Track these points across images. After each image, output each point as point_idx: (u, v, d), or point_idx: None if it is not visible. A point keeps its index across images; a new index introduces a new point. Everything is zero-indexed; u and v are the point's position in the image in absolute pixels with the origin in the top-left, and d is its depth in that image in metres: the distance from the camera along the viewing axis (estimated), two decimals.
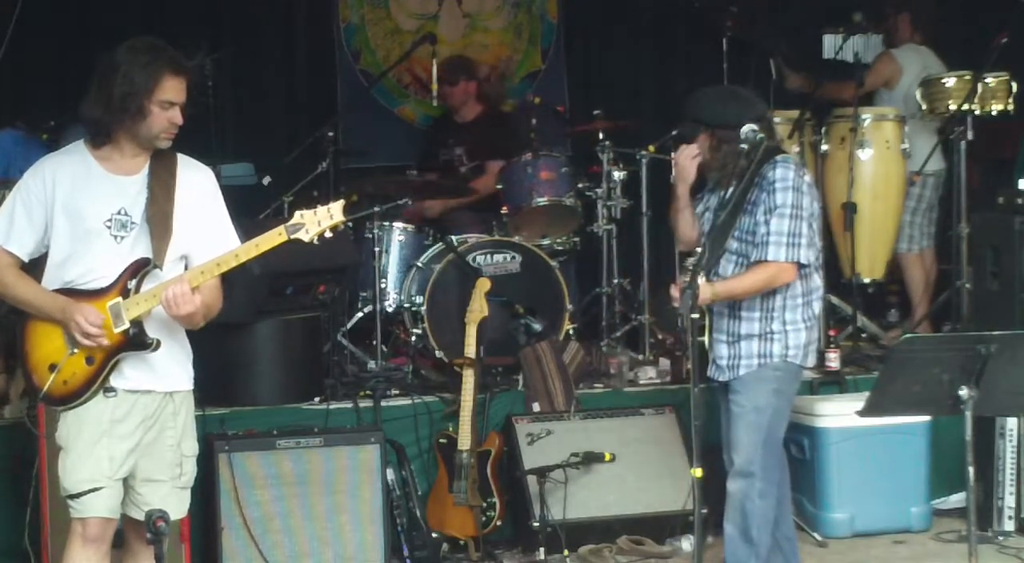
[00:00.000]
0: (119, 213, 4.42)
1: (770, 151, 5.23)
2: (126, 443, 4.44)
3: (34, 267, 4.53)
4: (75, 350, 4.40)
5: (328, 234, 4.34)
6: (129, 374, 4.45)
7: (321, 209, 4.33)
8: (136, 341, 4.40)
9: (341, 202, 4.35)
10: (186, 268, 4.51)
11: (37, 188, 4.42)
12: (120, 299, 4.39)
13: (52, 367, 4.42)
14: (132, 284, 4.39)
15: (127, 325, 4.39)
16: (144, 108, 4.35)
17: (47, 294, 4.43)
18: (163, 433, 4.51)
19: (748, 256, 5.20)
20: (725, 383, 5.32)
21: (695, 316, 4.84)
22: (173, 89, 4.38)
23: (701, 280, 4.92)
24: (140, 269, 4.41)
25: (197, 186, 4.55)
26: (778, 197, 5.14)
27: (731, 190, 5.16)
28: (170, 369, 4.53)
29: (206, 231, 4.52)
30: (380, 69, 8.75)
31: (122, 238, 4.42)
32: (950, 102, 7.49)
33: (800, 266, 5.19)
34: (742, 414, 5.26)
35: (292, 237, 4.33)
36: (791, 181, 5.17)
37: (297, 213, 4.34)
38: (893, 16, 8.07)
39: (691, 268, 4.90)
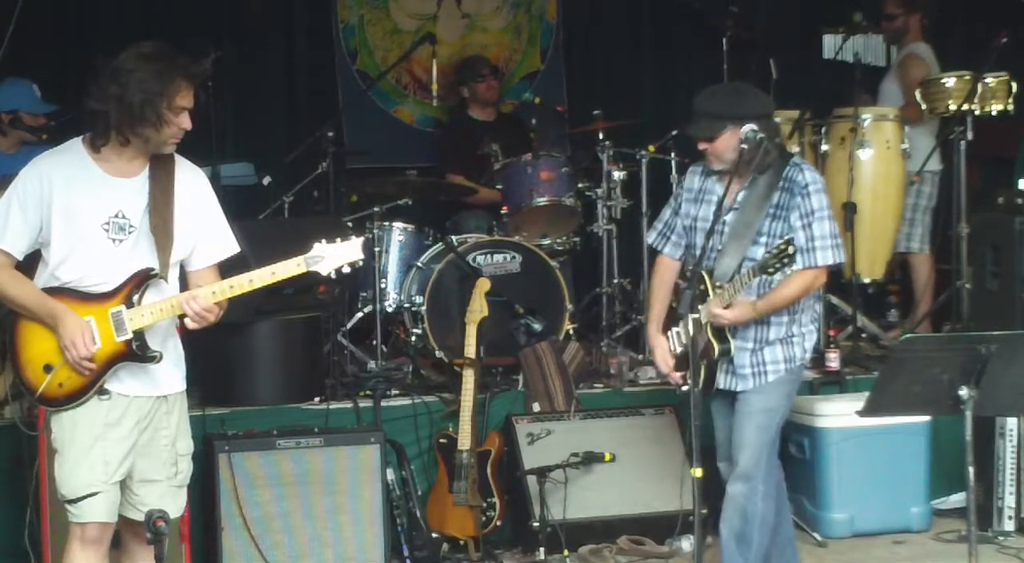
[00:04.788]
0: (117, 216, 4.41)
1: (784, 152, 5.20)
2: (122, 446, 4.44)
3: (29, 264, 4.52)
4: None
5: (346, 269, 4.42)
6: (126, 380, 4.46)
7: (341, 244, 4.41)
8: (139, 353, 4.42)
9: (362, 239, 4.43)
10: (181, 270, 4.53)
11: (34, 187, 4.41)
12: (123, 308, 4.40)
13: (47, 368, 4.42)
14: (136, 295, 4.40)
15: (130, 335, 4.40)
16: (161, 114, 4.35)
17: (38, 296, 4.41)
18: (158, 433, 4.51)
19: None
20: (733, 391, 5.22)
21: (695, 316, 4.82)
22: (186, 95, 4.39)
23: (741, 296, 4.89)
24: (145, 280, 4.42)
25: (195, 189, 4.55)
26: (814, 201, 5.07)
27: (744, 193, 5.09)
28: (165, 374, 4.54)
29: (205, 236, 4.54)
30: (377, 70, 8.76)
31: (120, 241, 4.41)
32: (950, 102, 7.49)
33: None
34: (752, 415, 5.17)
35: (311, 269, 4.40)
36: (820, 183, 5.14)
37: (316, 245, 4.40)
38: (903, 18, 8.05)
39: (696, 272, 4.89)
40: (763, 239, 5.09)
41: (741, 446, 5.20)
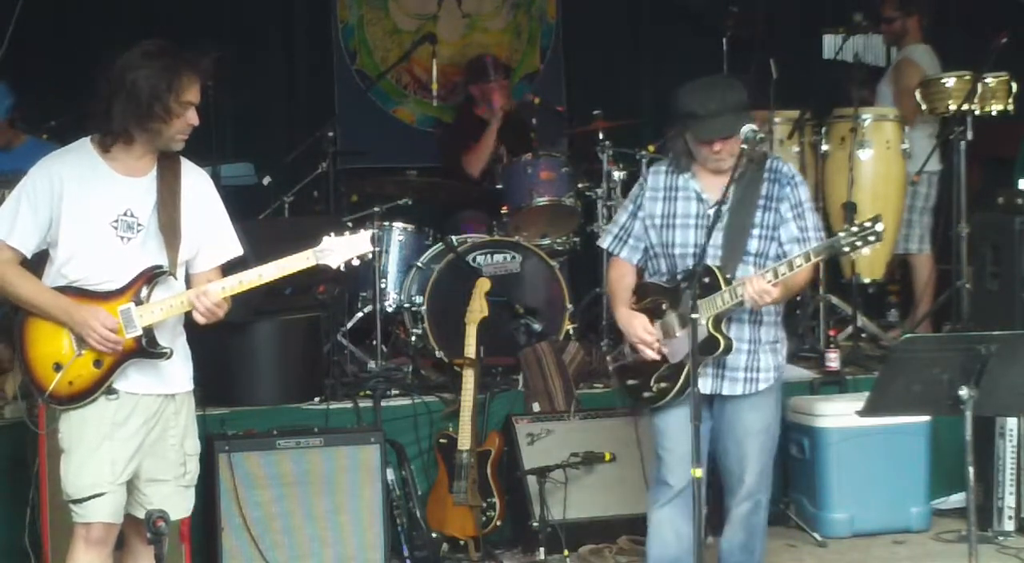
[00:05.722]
0: (125, 214, 4.43)
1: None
2: (129, 446, 4.44)
3: (36, 264, 4.52)
4: (82, 352, 4.41)
5: (356, 262, 4.43)
6: (134, 378, 4.47)
7: (349, 237, 4.43)
8: (149, 349, 4.43)
9: (371, 232, 4.46)
10: (186, 271, 4.54)
11: (44, 186, 4.42)
12: (132, 305, 4.41)
13: (57, 367, 4.42)
14: (145, 291, 4.41)
15: (140, 332, 4.41)
16: (169, 109, 4.37)
17: (49, 294, 4.43)
18: (166, 432, 4.52)
19: (768, 254, 4.98)
20: (714, 395, 5.04)
21: (695, 316, 4.77)
22: (193, 90, 4.42)
23: (768, 276, 4.75)
24: (154, 277, 4.43)
25: (200, 191, 4.58)
26: (802, 191, 5.03)
27: (733, 187, 4.95)
28: (173, 373, 4.55)
29: (210, 237, 4.57)
30: (377, 70, 8.77)
31: (128, 239, 4.43)
32: (950, 102, 7.49)
33: None
34: (755, 435, 5.05)
35: (320, 263, 4.42)
36: (800, 174, 5.12)
37: (325, 239, 4.43)
38: (901, 20, 8.04)
39: (696, 271, 4.84)
40: (756, 231, 5.00)
41: (745, 466, 5.07)
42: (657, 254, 5.12)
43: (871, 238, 4.65)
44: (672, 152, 5.14)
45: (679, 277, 5.02)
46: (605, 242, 5.29)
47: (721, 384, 5.04)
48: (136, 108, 4.35)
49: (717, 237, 4.97)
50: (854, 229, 4.70)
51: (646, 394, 5.10)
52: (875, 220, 4.67)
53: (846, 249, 4.72)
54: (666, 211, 5.10)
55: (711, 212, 4.98)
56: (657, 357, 5.03)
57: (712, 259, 4.95)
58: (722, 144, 4.95)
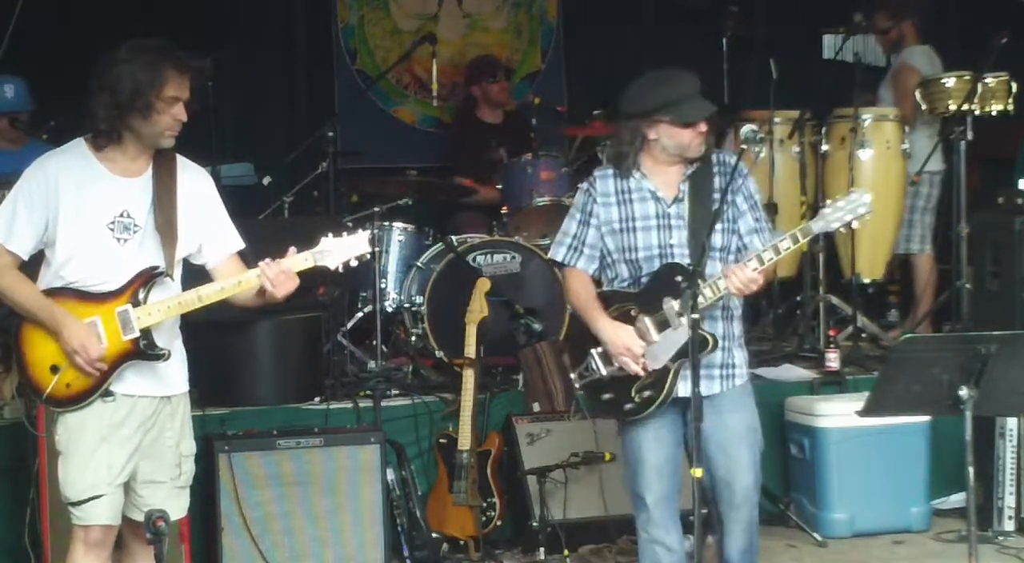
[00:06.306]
0: (122, 215, 4.42)
1: None
2: (126, 448, 4.44)
3: (31, 265, 4.52)
4: None
5: (354, 263, 4.44)
6: (132, 379, 4.45)
7: (348, 238, 4.43)
8: (147, 351, 4.43)
9: (368, 233, 4.46)
10: (185, 269, 4.55)
11: (39, 188, 4.41)
12: (130, 306, 4.40)
13: (54, 369, 4.41)
14: (142, 293, 4.41)
15: (137, 334, 4.40)
16: (151, 105, 4.35)
17: (40, 300, 4.40)
18: (162, 434, 4.52)
19: (730, 248, 4.88)
20: (686, 398, 4.75)
21: (696, 316, 4.73)
22: (177, 85, 4.39)
23: (753, 264, 4.65)
24: (151, 278, 4.42)
25: (198, 189, 4.57)
26: (751, 183, 4.95)
27: (687, 184, 4.87)
28: (170, 374, 4.54)
29: (211, 234, 4.56)
30: (377, 69, 8.77)
31: (125, 240, 4.42)
32: (950, 102, 7.49)
33: None
34: (742, 438, 4.89)
35: (319, 264, 4.43)
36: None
37: (323, 239, 4.43)
38: (895, 28, 8.03)
39: (692, 268, 4.81)
40: (717, 225, 4.83)
41: (737, 472, 4.90)
42: (616, 260, 4.95)
43: (860, 210, 4.62)
44: (619, 152, 4.97)
45: (645, 280, 4.90)
46: (558, 254, 5.01)
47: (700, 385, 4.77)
48: (118, 103, 4.33)
49: (681, 235, 4.87)
50: (840, 203, 4.64)
51: (628, 406, 4.87)
52: (862, 192, 4.64)
53: (835, 224, 4.66)
54: (623, 215, 4.93)
55: (670, 210, 4.88)
56: (642, 372, 4.83)
57: (680, 258, 4.85)
58: (704, 126, 4.86)
